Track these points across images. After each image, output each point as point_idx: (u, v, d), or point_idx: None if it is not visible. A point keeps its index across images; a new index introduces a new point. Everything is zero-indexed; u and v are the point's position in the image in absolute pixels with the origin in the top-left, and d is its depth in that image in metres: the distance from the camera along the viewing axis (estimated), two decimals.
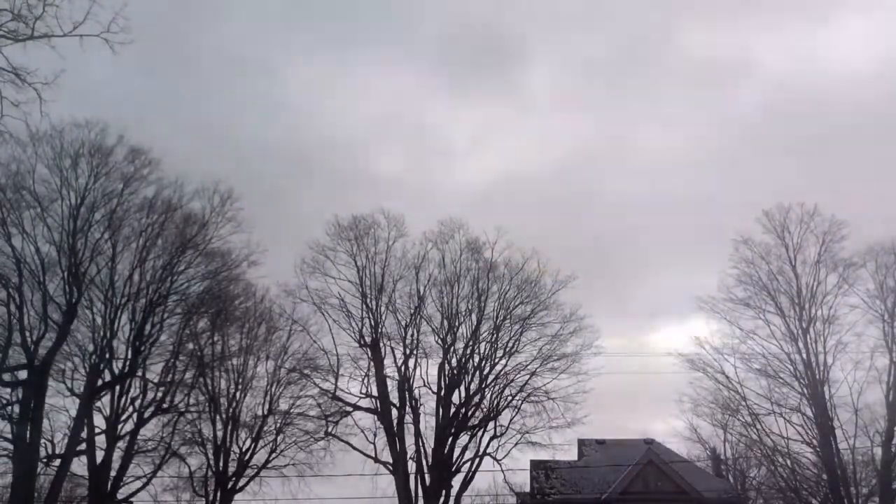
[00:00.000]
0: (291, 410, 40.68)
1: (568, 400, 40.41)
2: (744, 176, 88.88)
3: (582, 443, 43.76)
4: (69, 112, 32.74)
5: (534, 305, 41.94)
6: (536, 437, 40.30)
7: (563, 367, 40.89)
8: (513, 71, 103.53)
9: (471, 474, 40.39)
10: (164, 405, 36.95)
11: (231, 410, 39.55)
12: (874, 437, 39.43)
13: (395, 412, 40.35)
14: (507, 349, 41.70)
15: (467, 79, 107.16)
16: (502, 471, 40.73)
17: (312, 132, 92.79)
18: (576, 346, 41.04)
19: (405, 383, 40.86)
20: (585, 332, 40.97)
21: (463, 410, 40.94)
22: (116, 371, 35.60)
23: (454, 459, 40.28)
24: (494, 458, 40.25)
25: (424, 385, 41.07)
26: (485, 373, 41.53)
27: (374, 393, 40.69)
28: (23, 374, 32.98)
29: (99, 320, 35.40)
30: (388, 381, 40.92)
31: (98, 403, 35.53)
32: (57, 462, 33.73)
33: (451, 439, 40.26)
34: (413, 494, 38.92)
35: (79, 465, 34.94)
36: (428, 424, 40.55)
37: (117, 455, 35.24)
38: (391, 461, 39.20)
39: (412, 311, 41.84)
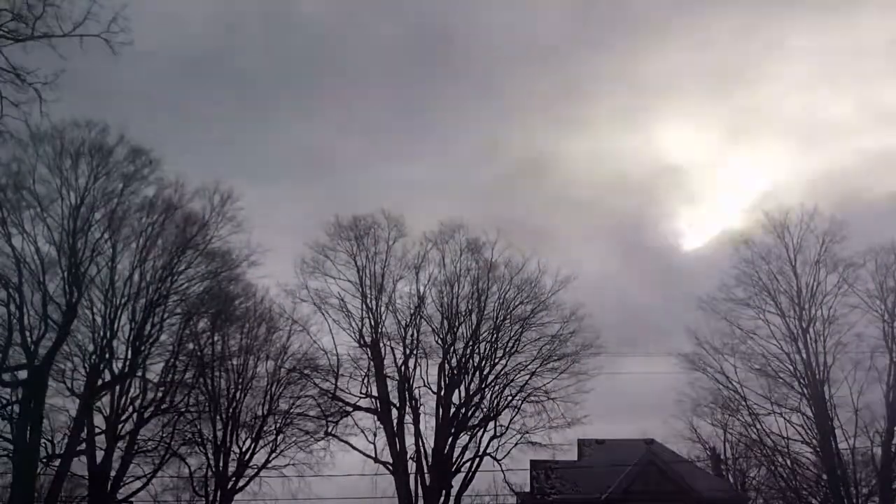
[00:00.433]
0: (291, 410, 40.68)
1: (568, 400, 40.50)
2: None
3: (582, 443, 43.64)
4: (69, 112, 32.76)
5: (534, 305, 42.02)
6: (536, 437, 40.35)
7: (563, 367, 40.94)
8: None
9: (471, 474, 40.42)
10: (164, 405, 36.98)
11: (231, 410, 39.50)
12: (874, 437, 39.56)
13: (395, 412, 40.35)
14: (507, 349, 41.73)
15: None
16: (502, 471, 40.68)
17: None
18: (576, 346, 41.12)
19: (405, 383, 40.85)
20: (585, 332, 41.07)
21: (463, 410, 40.93)
22: (116, 371, 35.63)
23: (454, 459, 40.25)
24: (494, 458, 40.26)
25: (424, 385, 41.18)
26: (485, 373, 41.55)
27: (374, 393, 40.71)
28: (23, 374, 33.00)
29: (99, 320, 35.47)
30: (388, 381, 40.93)
31: (98, 403, 35.57)
32: (57, 462, 33.74)
33: (451, 439, 40.22)
34: (413, 494, 38.90)
35: (79, 466, 35.04)
36: (428, 424, 40.65)
37: (117, 455, 35.27)
38: (391, 461, 39.18)
39: (412, 311, 41.92)
